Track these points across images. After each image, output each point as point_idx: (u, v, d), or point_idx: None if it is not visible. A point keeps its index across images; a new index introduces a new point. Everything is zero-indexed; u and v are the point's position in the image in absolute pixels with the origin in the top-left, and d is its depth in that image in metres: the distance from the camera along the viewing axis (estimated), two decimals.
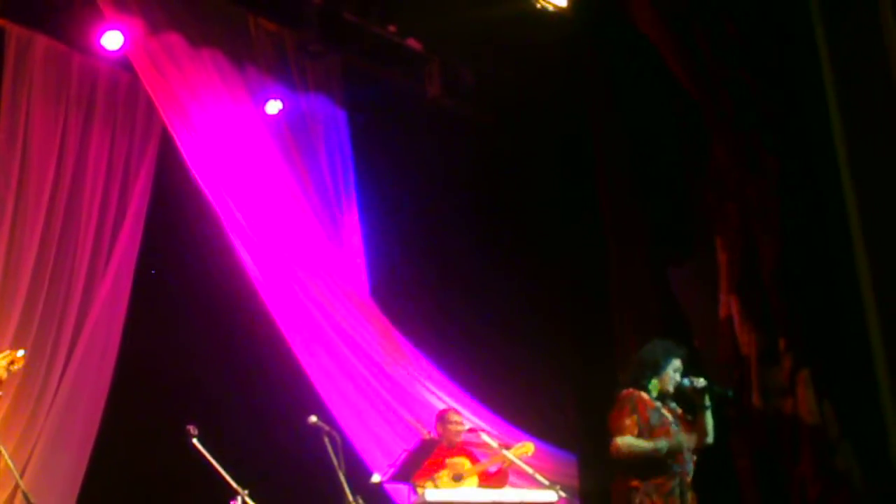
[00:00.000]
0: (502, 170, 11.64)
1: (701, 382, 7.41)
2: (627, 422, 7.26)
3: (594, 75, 10.81)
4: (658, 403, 7.38)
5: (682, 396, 7.51)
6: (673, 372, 7.44)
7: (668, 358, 7.48)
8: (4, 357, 6.90)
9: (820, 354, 8.38)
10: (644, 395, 7.37)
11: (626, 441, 7.20)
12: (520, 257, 11.50)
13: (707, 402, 7.40)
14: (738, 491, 8.77)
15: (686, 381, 7.41)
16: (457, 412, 9.77)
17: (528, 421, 10.60)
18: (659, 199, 10.42)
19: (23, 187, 9.50)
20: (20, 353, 6.97)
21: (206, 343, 10.50)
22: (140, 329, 10.11)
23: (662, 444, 7.18)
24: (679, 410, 7.47)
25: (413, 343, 10.83)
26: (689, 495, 7.27)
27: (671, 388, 7.43)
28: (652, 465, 7.21)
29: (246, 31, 10.67)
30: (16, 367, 6.94)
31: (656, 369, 7.44)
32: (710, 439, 7.41)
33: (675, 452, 7.26)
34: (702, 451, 7.46)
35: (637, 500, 7.18)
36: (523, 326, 11.19)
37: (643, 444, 7.19)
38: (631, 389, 7.39)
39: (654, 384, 7.41)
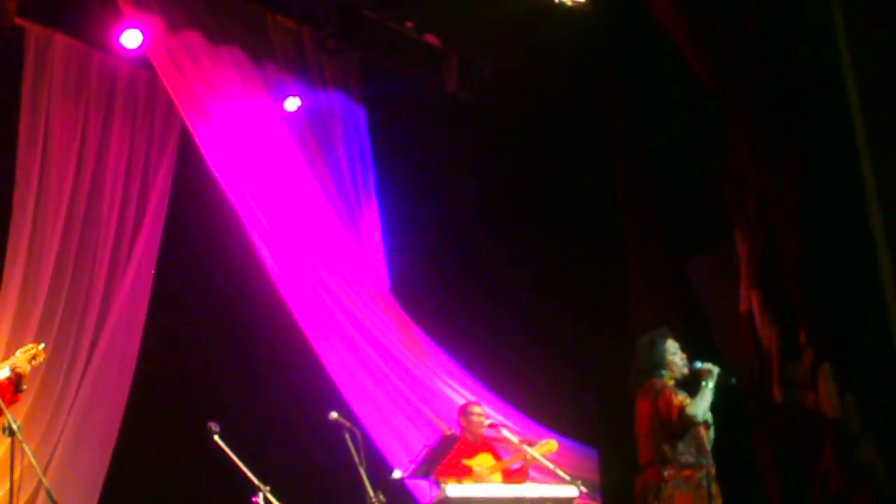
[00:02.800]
0: (521, 164, 11.64)
1: (710, 366, 7.43)
2: (675, 401, 7.30)
3: (613, 69, 10.81)
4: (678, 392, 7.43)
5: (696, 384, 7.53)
6: (673, 356, 7.49)
7: (658, 349, 7.54)
8: (26, 352, 6.93)
9: (841, 348, 8.35)
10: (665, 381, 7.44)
11: (691, 406, 7.25)
12: (539, 252, 11.50)
13: (709, 382, 7.37)
14: (760, 485, 8.76)
15: (699, 364, 7.45)
16: (478, 404, 9.78)
17: (548, 416, 10.60)
18: (678, 194, 10.40)
19: (43, 186, 9.53)
20: (41, 346, 7.01)
21: (226, 339, 10.53)
22: (161, 326, 10.13)
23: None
24: (689, 401, 7.48)
25: (433, 339, 10.84)
26: (715, 487, 7.29)
27: (685, 370, 7.47)
28: (682, 458, 7.23)
29: (264, 29, 10.68)
30: (37, 361, 6.98)
31: (659, 365, 7.48)
32: (698, 418, 7.35)
33: (699, 445, 7.29)
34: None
35: (666, 493, 7.20)
36: (543, 322, 11.20)
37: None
38: (654, 379, 7.43)
39: (667, 377, 7.44)
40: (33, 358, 6.91)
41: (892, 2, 7.72)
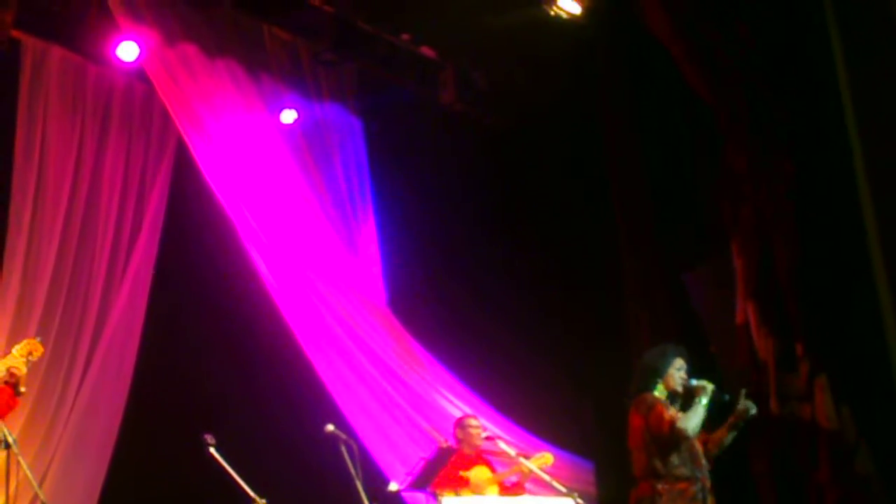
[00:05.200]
0: (517, 176, 11.65)
1: (704, 383, 7.43)
2: (666, 415, 7.29)
3: (608, 80, 10.82)
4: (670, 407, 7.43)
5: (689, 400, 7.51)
6: (676, 371, 7.48)
7: (667, 359, 7.53)
8: (22, 348, 6.87)
9: (837, 359, 8.36)
10: (657, 394, 7.43)
11: (682, 420, 7.23)
12: (535, 265, 11.50)
13: (703, 399, 7.36)
14: (756, 496, 8.75)
15: (693, 381, 7.45)
16: (475, 417, 9.78)
17: (544, 428, 10.59)
18: (673, 205, 10.41)
19: (40, 198, 9.53)
20: (37, 339, 6.97)
21: (222, 351, 10.52)
22: (157, 338, 10.13)
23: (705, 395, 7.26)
24: (681, 415, 7.46)
25: (430, 351, 10.83)
26: (710, 500, 7.28)
27: (679, 388, 7.46)
28: (676, 471, 7.23)
29: (260, 41, 10.69)
30: (34, 356, 6.92)
31: (658, 372, 7.48)
32: (689, 432, 7.32)
33: (694, 458, 7.28)
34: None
35: None
36: (540, 334, 11.18)
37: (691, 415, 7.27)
38: (646, 394, 7.43)
39: (661, 388, 7.44)
40: (29, 353, 6.86)
41: (887, 14, 7.74)
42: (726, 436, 7.52)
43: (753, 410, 7.51)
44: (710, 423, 7.46)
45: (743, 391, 7.57)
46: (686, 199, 10.25)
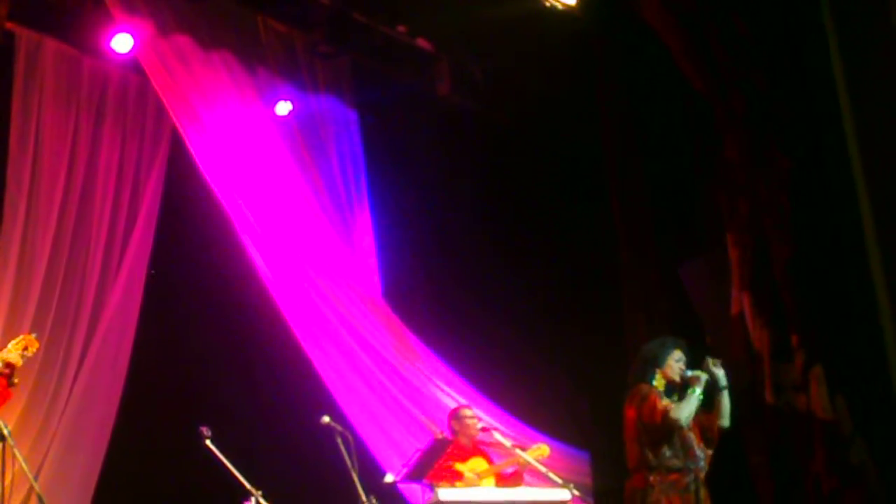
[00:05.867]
0: (513, 168, 11.65)
1: (698, 373, 7.44)
2: (659, 405, 7.30)
3: (604, 73, 10.82)
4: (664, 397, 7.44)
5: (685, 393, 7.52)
6: (675, 362, 7.50)
7: (666, 350, 7.56)
8: (18, 343, 6.88)
9: (833, 350, 8.37)
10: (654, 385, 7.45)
11: (675, 410, 7.24)
12: (531, 256, 11.50)
13: (696, 389, 7.38)
14: (752, 487, 8.76)
15: (688, 372, 7.46)
16: (469, 407, 9.78)
17: (540, 420, 10.59)
18: (670, 197, 10.41)
19: (34, 190, 9.51)
20: (33, 335, 6.98)
21: (218, 344, 10.52)
22: (152, 331, 10.12)
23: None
24: (674, 405, 7.46)
25: (426, 343, 10.83)
26: (703, 492, 7.29)
27: (677, 379, 7.47)
28: (668, 462, 7.24)
29: (255, 33, 10.67)
30: (29, 351, 6.93)
31: (657, 362, 7.50)
32: (682, 422, 7.33)
33: (687, 449, 7.29)
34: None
35: (653, 498, 7.20)
36: (536, 325, 11.19)
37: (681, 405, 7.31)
38: (641, 384, 7.45)
39: (659, 378, 7.45)
40: (25, 348, 6.87)
41: (882, 9, 7.75)
42: (722, 400, 7.50)
43: (719, 369, 7.50)
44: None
45: (708, 359, 7.57)
46: (683, 192, 10.25)
